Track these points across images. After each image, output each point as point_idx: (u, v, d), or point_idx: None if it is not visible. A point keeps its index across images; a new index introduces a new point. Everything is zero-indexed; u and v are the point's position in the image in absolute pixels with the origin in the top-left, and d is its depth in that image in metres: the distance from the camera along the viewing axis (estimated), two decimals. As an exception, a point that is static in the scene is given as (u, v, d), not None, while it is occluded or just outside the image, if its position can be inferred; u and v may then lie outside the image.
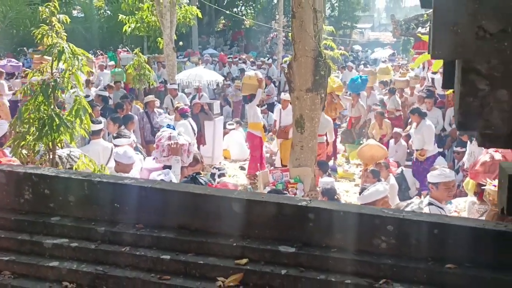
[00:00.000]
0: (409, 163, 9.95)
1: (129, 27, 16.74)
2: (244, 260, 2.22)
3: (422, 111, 9.79)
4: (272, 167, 10.57)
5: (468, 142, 9.54)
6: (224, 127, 12.53)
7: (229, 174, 10.98)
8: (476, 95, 1.29)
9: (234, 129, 12.56)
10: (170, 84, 12.91)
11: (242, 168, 11.66)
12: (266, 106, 15.19)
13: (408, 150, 11.22)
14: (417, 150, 9.39)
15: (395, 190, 8.16)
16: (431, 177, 5.26)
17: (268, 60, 21.00)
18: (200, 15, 16.48)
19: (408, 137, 12.03)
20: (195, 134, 9.74)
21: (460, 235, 2.04)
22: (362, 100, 13.45)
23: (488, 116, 1.29)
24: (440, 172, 5.36)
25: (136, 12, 16.97)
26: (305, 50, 9.02)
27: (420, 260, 2.07)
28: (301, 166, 9.48)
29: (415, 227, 2.09)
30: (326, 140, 10.79)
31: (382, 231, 2.13)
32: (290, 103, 10.71)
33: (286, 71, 9.80)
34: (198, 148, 10.39)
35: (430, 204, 5.11)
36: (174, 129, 5.52)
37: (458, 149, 9.59)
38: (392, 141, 11.41)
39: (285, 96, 10.66)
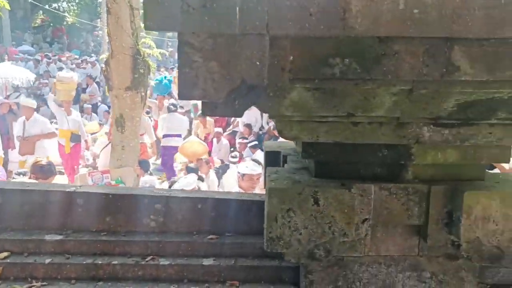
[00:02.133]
0: (234, 159, 10.48)
1: None
2: (4, 254, 2.07)
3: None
4: (94, 170, 10.09)
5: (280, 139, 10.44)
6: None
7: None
8: (191, 67, 1.41)
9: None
10: None
11: (61, 172, 10.88)
12: (91, 106, 14.51)
13: (232, 149, 11.81)
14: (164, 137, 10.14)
15: (214, 185, 8.48)
16: (241, 168, 5.63)
17: (91, 58, 19.99)
18: (8, 7, 14.83)
19: (232, 135, 12.64)
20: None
21: (221, 208, 2.20)
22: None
23: (203, 86, 1.43)
24: (247, 165, 5.78)
25: None
26: (123, 48, 8.82)
27: (185, 234, 2.17)
28: (122, 167, 9.24)
29: (181, 204, 2.19)
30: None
31: (151, 210, 2.18)
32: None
33: (103, 69, 9.46)
34: (6, 152, 9.38)
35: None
36: None
37: (274, 145, 10.44)
38: (215, 141, 11.84)
39: (26, 101, 9.24)
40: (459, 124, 1.69)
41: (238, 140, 11.73)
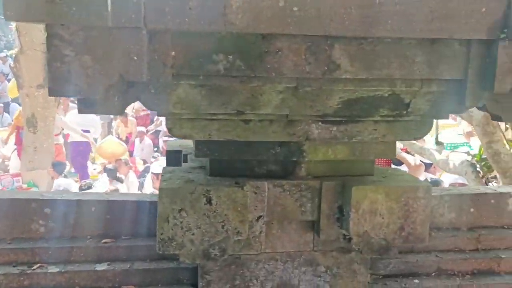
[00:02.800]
0: (154, 160, 10.23)
1: None
2: None
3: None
4: (4, 173, 9.44)
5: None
6: None
7: None
8: (62, 61, 1.32)
9: None
10: None
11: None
12: (3, 105, 13.59)
13: (156, 149, 11.54)
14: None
15: (134, 186, 8.24)
16: (155, 167, 5.52)
17: (2, 54, 18.62)
18: None
19: (155, 134, 12.35)
20: None
21: (117, 210, 2.11)
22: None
23: (76, 82, 1.34)
24: (162, 164, 5.68)
25: None
26: (33, 43, 8.33)
27: (78, 238, 2.06)
28: (35, 169, 8.73)
29: (73, 207, 2.07)
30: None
31: (40, 214, 2.05)
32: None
33: (12, 66, 8.88)
34: None
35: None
36: None
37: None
38: (137, 141, 11.52)
39: None
40: (346, 121, 1.73)
41: (162, 140, 11.50)
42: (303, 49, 1.47)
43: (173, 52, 1.42)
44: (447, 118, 1.80)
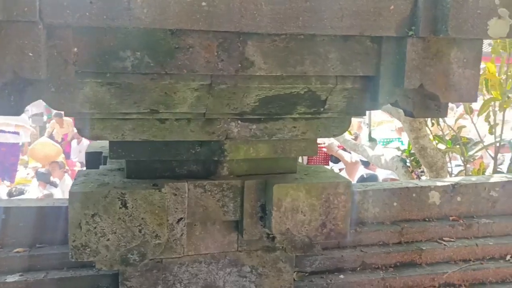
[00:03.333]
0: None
1: None
2: None
3: None
4: None
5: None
6: None
7: None
8: None
9: None
10: None
11: None
12: None
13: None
14: None
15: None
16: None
17: None
18: None
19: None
20: None
21: (32, 217, 1.99)
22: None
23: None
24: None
25: None
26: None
27: (-14, 249, 1.92)
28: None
29: (-20, 215, 1.93)
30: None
31: None
32: None
33: None
34: None
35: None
36: None
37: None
38: (75, 142, 11.08)
39: None
40: (265, 119, 1.72)
41: (100, 141, 11.14)
42: (215, 45, 1.43)
43: (76, 48, 1.34)
44: (364, 114, 1.82)
